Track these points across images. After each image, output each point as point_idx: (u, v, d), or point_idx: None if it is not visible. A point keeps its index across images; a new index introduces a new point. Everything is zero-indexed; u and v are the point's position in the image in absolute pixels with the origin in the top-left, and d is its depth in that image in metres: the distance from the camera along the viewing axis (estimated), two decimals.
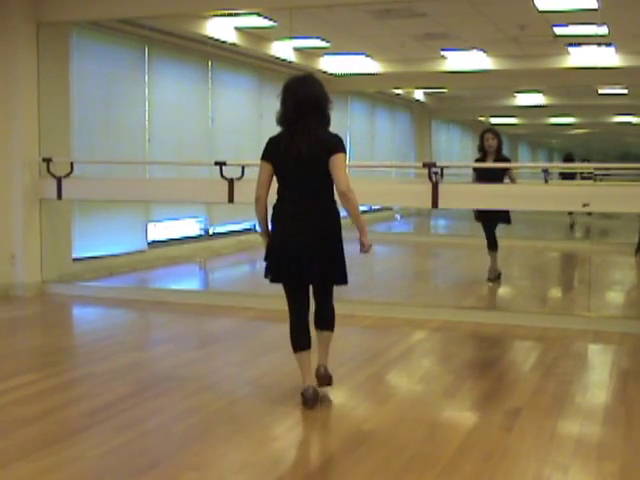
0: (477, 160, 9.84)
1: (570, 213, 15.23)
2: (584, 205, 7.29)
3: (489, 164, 9.39)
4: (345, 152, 4.96)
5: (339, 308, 8.10)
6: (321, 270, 4.98)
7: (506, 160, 9.64)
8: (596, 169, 8.81)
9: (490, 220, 9.75)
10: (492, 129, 9.99)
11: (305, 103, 4.94)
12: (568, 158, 17.27)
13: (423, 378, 5.99)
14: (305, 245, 4.92)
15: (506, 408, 5.06)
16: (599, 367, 6.44)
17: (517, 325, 7.54)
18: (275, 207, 5.06)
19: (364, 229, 4.96)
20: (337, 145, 4.94)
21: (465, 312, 8.03)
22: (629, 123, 19.20)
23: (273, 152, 5.03)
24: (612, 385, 5.75)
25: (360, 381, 5.73)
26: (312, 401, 5.01)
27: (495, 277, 10.02)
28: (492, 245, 9.93)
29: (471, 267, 12.72)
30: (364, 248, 4.98)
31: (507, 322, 7.60)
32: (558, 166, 16.44)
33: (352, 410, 5.10)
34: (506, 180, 9.27)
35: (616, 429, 4.70)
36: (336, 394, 5.47)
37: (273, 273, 5.05)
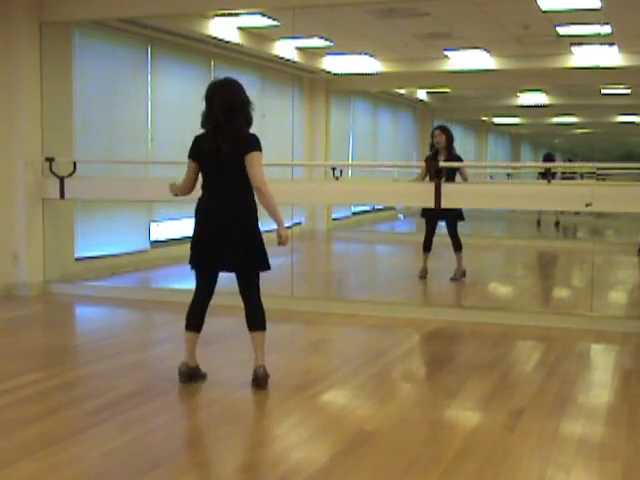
0: (428, 157, 9.79)
1: (562, 212, 15.32)
2: (587, 205, 7.28)
3: (485, 163, 9.39)
4: (260, 150, 5.26)
5: (341, 308, 8.18)
6: (237, 259, 5.33)
7: (458, 158, 9.66)
8: (599, 169, 8.81)
9: (435, 219, 9.90)
10: (441, 126, 10.08)
11: (233, 106, 5.31)
12: (548, 158, 17.43)
13: (425, 378, 5.99)
14: (221, 237, 5.29)
15: (508, 408, 5.06)
16: (602, 367, 6.44)
17: (519, 325, 7.54)
18: (199, 200, 5.42)
19: (280, 222, 5.29)
20: (252, 144, 5.27)
21: (467, 312, 8.03)
22: (632, 123, 19.14)
23: (197, 151, 5.39)
24: (615, 385, 5.74)
25: (362, 381, 5.73)
26: (184, 377, 5.46)
27: (460, 276, 10.14)
28: (453, 247, 10.04)
29: (474, 267, 12.71)
30: (281, 240, 5.29)
31: (509, 322, 7.60)
32: (560, 166, 16.43)
33: (354, 410, 5.09)
34: (458, 179, 9.26)
35: (619, 429, 4.70)
36: (338, 394, 5.49)
37: (194, 260, 5.44)
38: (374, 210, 17.54)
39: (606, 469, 4.09)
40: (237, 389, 5.50)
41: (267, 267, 5.45)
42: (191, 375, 5.52)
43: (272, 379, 5.70)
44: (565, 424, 4.81)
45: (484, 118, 19.99)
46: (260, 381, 5.39)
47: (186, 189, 5.52)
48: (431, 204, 7.80)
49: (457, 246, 10.03)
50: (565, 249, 14.47)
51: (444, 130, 9.87)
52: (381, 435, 4.58)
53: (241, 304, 8.26)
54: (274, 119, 14.07)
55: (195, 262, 5.45)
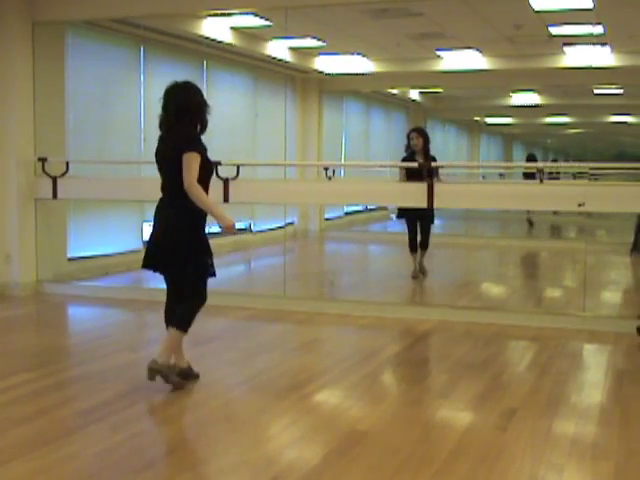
0: (404, 159, 9.90)
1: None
2: (579, 205, 7.30)
3: (476, 163, 9.40)
4: (194, 151, 5.22)
5: (334, 308, 8.19)
6: (163, 260, 5.40)
7: (433, 159, 9.71)
8: (591, 169, 8.82)
9: (416, 219, 9.99)
10: (418, 128, 10.23)
11: (186, 109, 5.33)
12: (531, 159, 17.56)
13: (418, 378, 6.00)
14: (158, 238, 5.38)
15: (501, 408, 5.07)
16: (594, 367, 6.45)
17: (512, 325, 7.55)
18: None
19: (218, 215, 5.26)
20: (185, 145, 5.24)
21: (460, 312, 8.04)
22: (625, 123, 19.19)
23: (155, 153, 5.49)
24: (607, 385, 5.76)
25: (355, 381, 5.73)
26: (150, 372, 5.35)
27: (420, 274, 10.25)
28: (421, 244, 10.15)
29: (466, 266, 12.73)
30: (225, 230, 5.30)
31: (502, 322, 7.61)
32: (554, 166, 16.47)
33: (347, 410, 5.10)
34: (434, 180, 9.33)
35: (611, 429, 4.71)
36: (331, 394, 5.49)
37: (143, 260, 5.47)
38: (367, 210, 17.55)
39: (599, 469, 4.10)
40: (230, 389, 5.50)
41: (195, 271, 5.43)
42: (183, 375, 5.52)
43: (265, 378, 5.71)
44: (558, 424, 4.82)
45: (476, 118, 20.03)
46: (148, 371, 5.35)
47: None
48: (424, 204, 7.81)
49: (427, 245, 10.16)
50: (557, 249, 14.49)
51: (421, 133, 10.01)
52: (374, 435, 4.58)
53: (234, 304, 8.31)
54: (267, 119, 14.07)
55: (143, 263, 5.48)
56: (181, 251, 5.31)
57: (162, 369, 5.34)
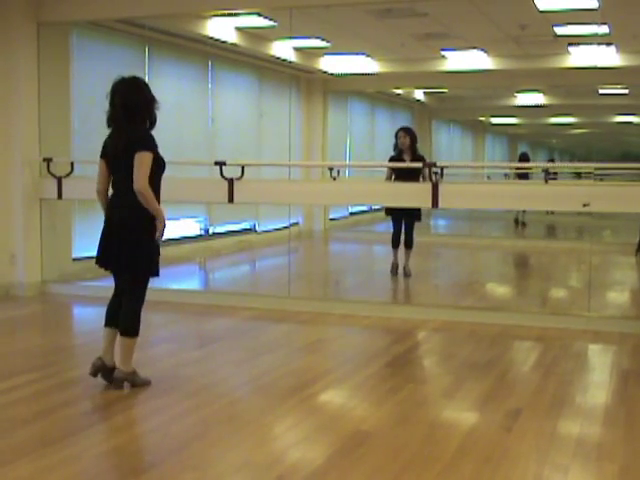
0: (392, 158, 10.21)
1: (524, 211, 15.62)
2: (584, 205, 7.29)
3: (477, 163, 9.40)
4: (149, 150, 5.22)
5: (338, 308, 8.18)
6: (117, 258, 5.36)
7: (422, 158, 9.81)
8: (596, 169, 8.80)
9: (404, 217, 10.18)
10: (405, 128, 10.47)
11: (133, 105, 5.28)
12: (523, 158, 17.60)
13: (422, 378, 5.99)
14: (111, 235, 5.38)
15: (506, 408, 5.06)
16: (599, 367, 6.44)
17: (517, 325, 7.54)
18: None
19: (160, 222, 5.35)
20: (140, 143, 5.22)
21: (464, 312, 8.02)
22: (630, 123, 19.15)
23: (103, 150, 5.49)
24: (612, 385, 5.75)
25: (359, 381, 5.73)
26: (93, 368, 5.44)
27: (404, 273, 10.40)
28: (405, 244, 10.31)
29: (470, 267, 12.72)
30: (158, 236, 5.37)
31: (507, 322, 7.60)
32: (560, 166, 16.45)
33: (351, 410, 5.09)
34: (421, 179, 9.37)
35: (616, 430, 4.70)
36: (335, 394, 5.49)
37: (96, 257, 5.50)
38: (371, 210, 17.53)
39: (603, 470, 4.09)
40: (234, 389, 5.50)
41: (147, 272, 5.43)
42: (102, 370, 5.49)
43: (270, 378, 5.71)
44: (562, 424, 4.81)
45: (481, 118, 20.00)
46: (114, 381, 5.38)
47: (98, 187, 5.60)
48: (428, 205, 7.81)
49: (411, 244, 10.31)
50: (562, 249, 14.47)
51: (408, 132, 10.27)
52: (378, 435, 4.58)
53: (239, 304, 8.32)
54: (271, 119, 14.08)
55: (95, 261, 5.50)
56: (139, 250, 5.33)
57: (127, 377, 5.39)
